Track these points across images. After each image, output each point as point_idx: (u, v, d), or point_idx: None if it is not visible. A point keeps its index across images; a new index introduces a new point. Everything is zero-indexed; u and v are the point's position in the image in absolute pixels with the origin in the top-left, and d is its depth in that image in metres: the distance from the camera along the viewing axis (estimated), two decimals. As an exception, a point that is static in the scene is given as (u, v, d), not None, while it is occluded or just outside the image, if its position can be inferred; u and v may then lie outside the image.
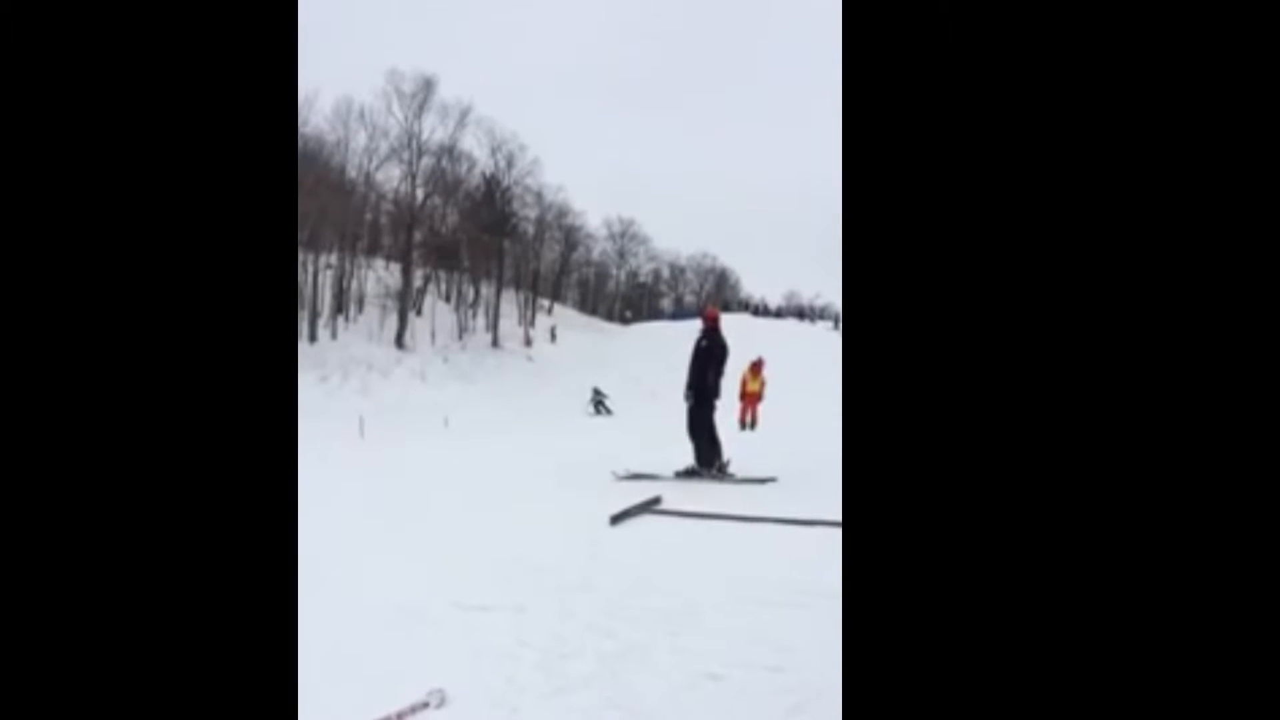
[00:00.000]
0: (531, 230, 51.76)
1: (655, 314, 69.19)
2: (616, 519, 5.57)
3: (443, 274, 44.98)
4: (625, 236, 66.76)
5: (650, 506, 6.04)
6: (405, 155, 41.21)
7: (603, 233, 65.24)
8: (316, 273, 35.87)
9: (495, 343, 41.69)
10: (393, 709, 2.67)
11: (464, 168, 44.88)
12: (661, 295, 75.58)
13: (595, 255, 67.21)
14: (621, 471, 7.91)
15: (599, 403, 28.71)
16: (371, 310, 37.90)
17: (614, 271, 70.09)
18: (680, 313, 64.01)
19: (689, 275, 76.39)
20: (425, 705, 2.74)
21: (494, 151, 45.27)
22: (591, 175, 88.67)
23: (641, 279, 72.30)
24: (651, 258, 70.69)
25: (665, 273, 75.15)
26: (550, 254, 58.17)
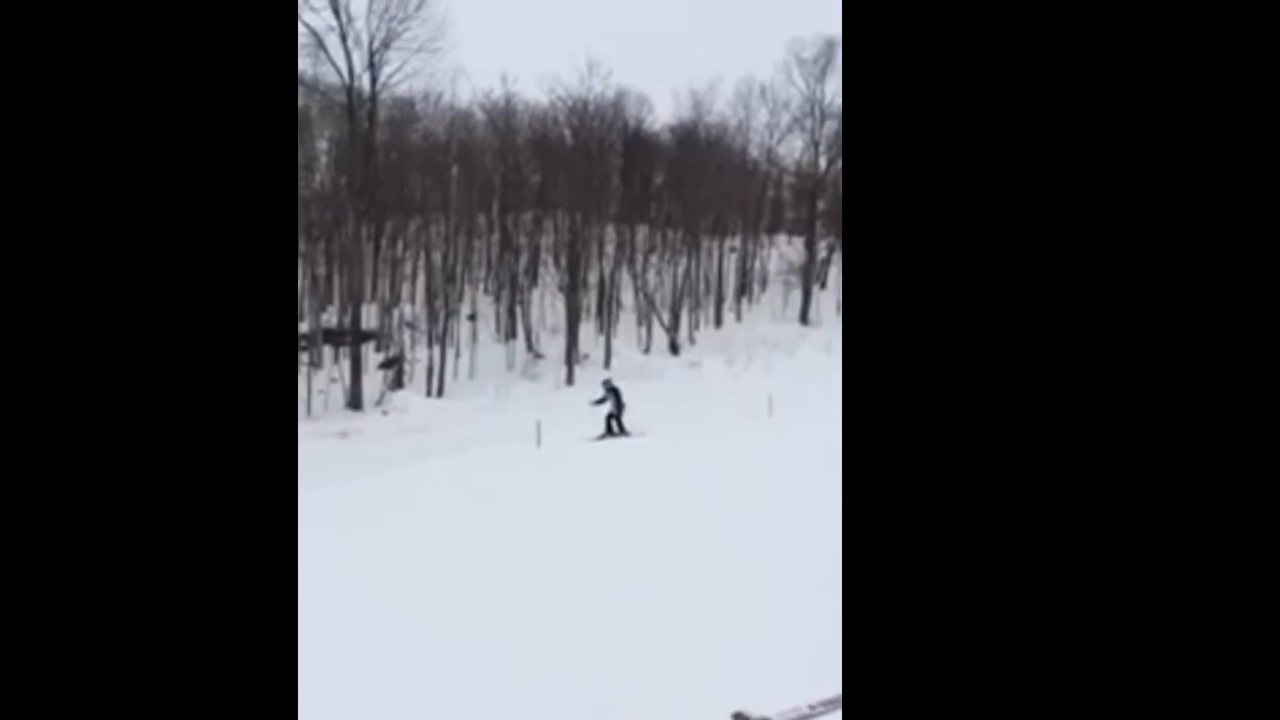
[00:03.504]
0: (946, 181, 48.58)
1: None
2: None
3: (849, 242, 44.47)
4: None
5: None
6: (807, 124, 41.48)
7: (1035, 172, 58.69)
8: (721, 257, 37.94)
9: (910, 310, 40.01)
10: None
11: (868, 125, 43.73)
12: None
13: (1027, 199, 60.72)
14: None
15: (612, 418, 15.94)
16: (775, 288, 38.89)
17: (1053, 215, 62.70)
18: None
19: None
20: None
21: (900, 102, 43.37)
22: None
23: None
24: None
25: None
26: (971, 205, 54.08)
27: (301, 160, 29.44)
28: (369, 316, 27.31)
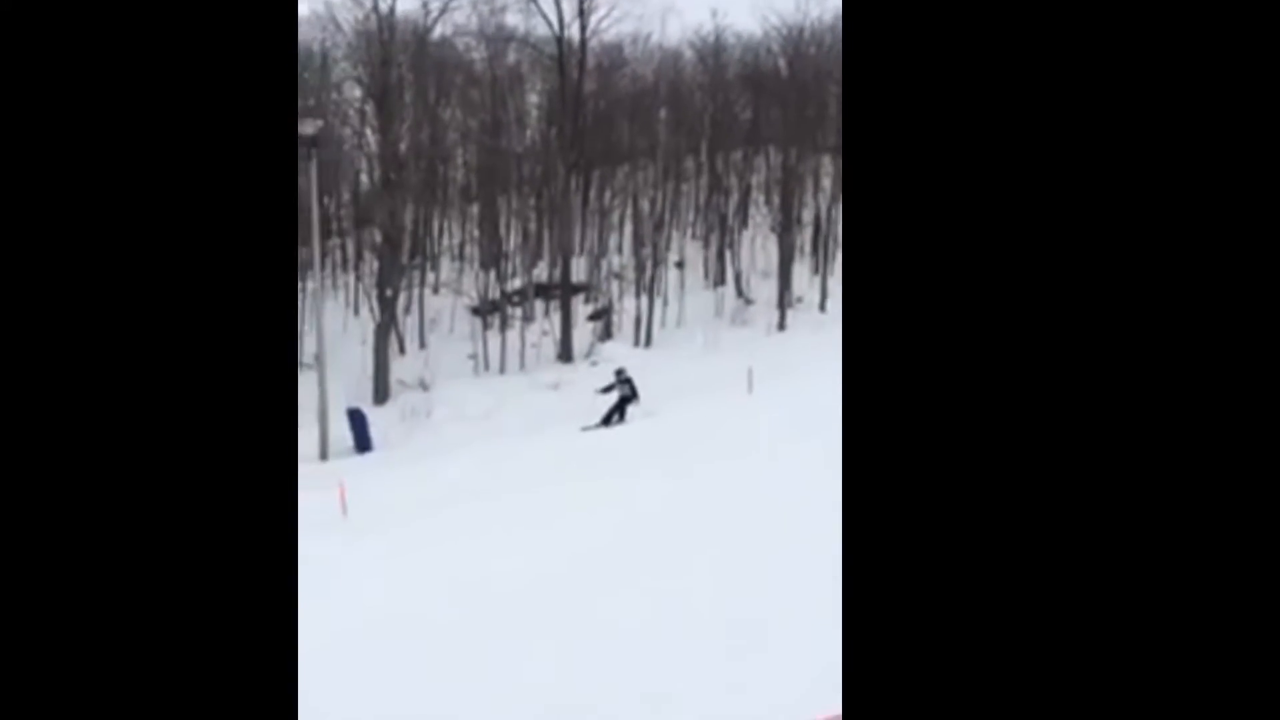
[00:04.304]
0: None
1: None
2: None
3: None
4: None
5: None
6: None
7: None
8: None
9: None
10: None
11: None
12: None
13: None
14: None
15: (621, 403, 15.67)
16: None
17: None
18: None
19: None
20: None
21: None
22: None
23: None
24: None
25: None
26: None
27: (513, 115, 30.77)
28: (578, 269, 28.28)
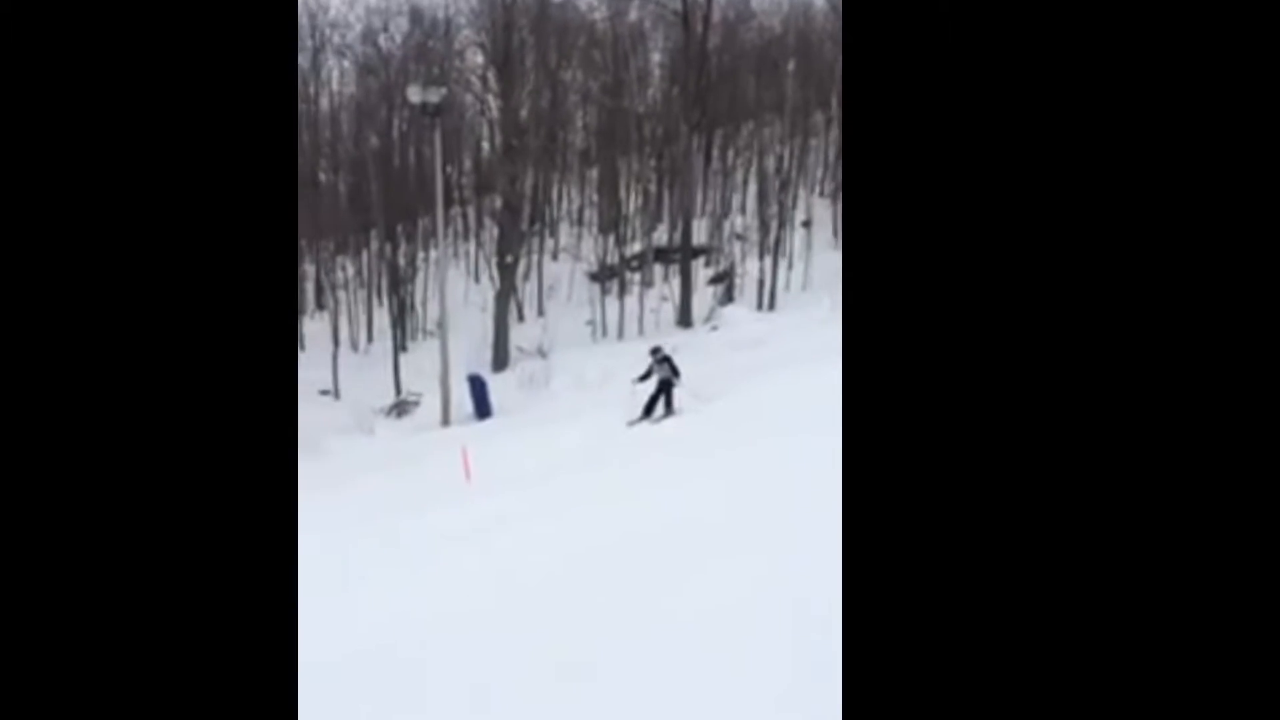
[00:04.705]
0: None
1: None
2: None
3: None
4: None
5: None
6: None
7: None
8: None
9: None
10: None
11: None
12: None
13: None
14: None
15: (663, 388, 13.30)
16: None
17: None
18: None
19: None
20: None
21: None
22: None
23: None
24: None
25: None
26: None
27: (634, 75, 30.62)
28: (699, 231, 28.00)
